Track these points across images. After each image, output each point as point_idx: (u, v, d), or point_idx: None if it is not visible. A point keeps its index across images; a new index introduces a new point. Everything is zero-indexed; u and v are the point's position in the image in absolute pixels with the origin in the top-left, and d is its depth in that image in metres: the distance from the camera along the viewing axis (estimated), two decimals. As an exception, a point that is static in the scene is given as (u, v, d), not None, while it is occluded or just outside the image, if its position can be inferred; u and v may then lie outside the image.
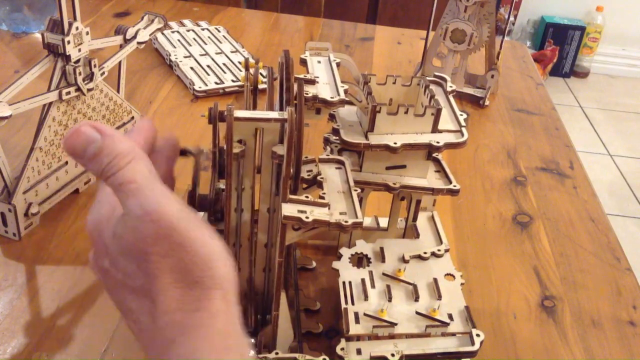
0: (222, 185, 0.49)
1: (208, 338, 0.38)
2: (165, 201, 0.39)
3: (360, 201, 0.51)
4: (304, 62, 0.59)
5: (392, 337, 0.51)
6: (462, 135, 0.56)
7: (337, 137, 0.56)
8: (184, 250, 0.38)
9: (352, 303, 0.52)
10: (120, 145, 0.39)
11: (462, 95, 1.09)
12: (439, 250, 0.58)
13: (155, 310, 0.39)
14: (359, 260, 0.57)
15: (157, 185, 0.40)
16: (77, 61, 0.70)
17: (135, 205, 0.38)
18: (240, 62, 1.09)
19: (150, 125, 0.46)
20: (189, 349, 0.38)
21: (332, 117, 0.58)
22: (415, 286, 0.54)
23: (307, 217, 0.46)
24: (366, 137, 0.55)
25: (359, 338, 0.51)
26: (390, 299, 0.53)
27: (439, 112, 0.55)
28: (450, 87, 0.62)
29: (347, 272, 0.55)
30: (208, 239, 0.40)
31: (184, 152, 0.49)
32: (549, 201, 0.86)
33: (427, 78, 0.61)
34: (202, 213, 0.51)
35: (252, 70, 0.56)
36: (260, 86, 0.56)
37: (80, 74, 0.70)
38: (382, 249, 0.58)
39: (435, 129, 0.56)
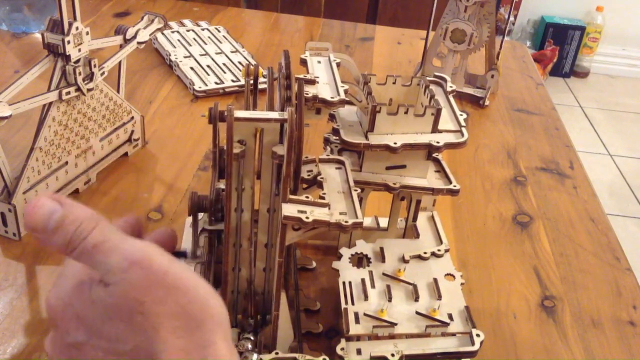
0: (222, 185, 0.49)
1: None
2: (149, 248, 0.38)
3: (360, 201, 0.51)
4: (304, 62, 0.59)
5: (392, 337, 0.51)
6: (462, 135, 0.56)
7: (337, 137, 0.56)
8: (180, 292, 0.37)
9: (352, 303, 0.52)
10: (81, 211, 0.38)
11: (462, 95, 1.09)
12: (439, 250, 0.58)
13: None
14: (359, 260, 0.57)
15: (131, 239, 0.38)
16: (77, 61, 0.70)
17: (119, 260, 0.37)
18: (240, 62, 1.09)
19: (139, 221, 0.45)
20: None
21: (332, 117, 0.59)
22: (415, 286, 0.54)
23: (307, 217, 0.46)
24: (366, 137, 0.55)
25: (359, 338, 0.51)
26: (390, 299, 0.53)
27: (439, 112, 0.55)
28: (450, 87, 0.62)
29: (347, 272, 0.55)
30: (199, 279, 0.39)
31: (179, 254, 0.49)
32: (549, 201, 0.86)
33: (427, 78, 0.61)
34: (202, 214, 0.51)
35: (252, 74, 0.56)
36: (261, 86, 0.56)
37: (80, 74, 0.70)
38: (382, 249, 0.58)
39: (435, 129, 0.56)
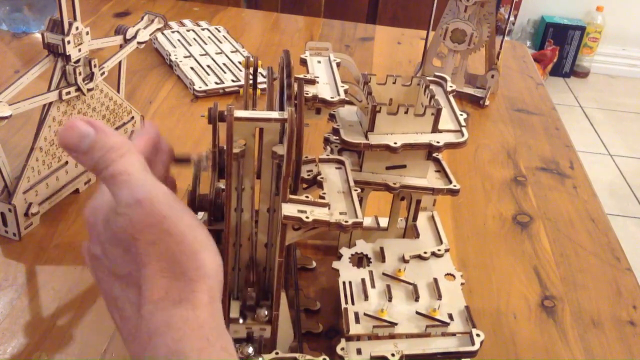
0: (222, 185, 0.49)
1: (190, 329, 0.38)
2: (157, 191, 0.40)
3: (360, 201, 0.51)
4: (304, 62, 0.59)
5: (392, 337, 0.51)
6: (462, 135, 0.56)
7: (337, 137, 0.56)
8: (172, 239, 0.39)
9: (352, 303, 0.52)
10: (112, 140, 0.40)
11: (462, 95, 1.09)
12: (439, 250, 0.58)
13: (141, 299, 0.39)
14: (359, 260, 0.57)
15: (148, 176, 0.40)
16: (77, 61, 0.70)
17: (126, 194, 0.39)
18: (240, 62, 1.09)
19: (155, 130, 0.47)
20: (171, 339, 0.38)
21: (332, 117, 0.58)
22: (415, 286, 0.54)
23: (307, 217, 0.46)
24: (366, 137, 0.55)
25: (359, 338, 0.51)
26: (390, 299, 0.53)
27: (439, 112, 0.55)
28: (450, 87, 0.62)
29: (347, 272, 0.55)
30: (197, 232, 0.41)
31: (184, 160, 0.49)
32: (549, 201, 0.86)
33: (427, 78, 0.61)
34: (202, 213, 0.51)
35: (251, 69, 0.56)
36: (261, 86, 0.56)
37: (80, 74, 0.70)
38: (382, 249, 0.58)
39: (435, 129, 0.56)
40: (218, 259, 0.42)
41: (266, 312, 0.51)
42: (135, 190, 0.39)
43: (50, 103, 0.69)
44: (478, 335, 0.51)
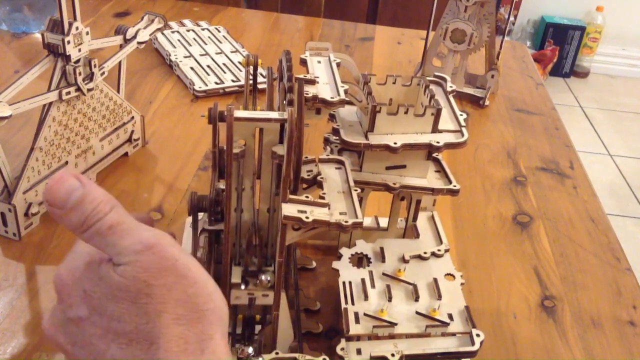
0: (222, 185, 0.49)
1: None
2: (161, 236, 0.39)
3: (360, 201, 0.51)
4: (304, 62, 0.59)
5: (392, 337, 0.51)
6: (462, 135, 0.56)
7: (337, 137, 0.56)
8: (188, 282, 0.38)
9: (352, 303, 0.52)
10: (100, 192, 0.39)
11: (462, 95, 1.09)
12: (439, 250, 0.58)
13: (156, 353, 0.37)
14: (359, 260, 0.57)
15: (144, 225, 0.39)
16: (77, 61, 0.70)
17: (133, 242, 0.37)
18: (240, 62, 1.09)
19: (150, 220, 0.46)
20: None
21: (332, 117, 0.59)
22: (415, 286, 0.54)
23: (307, 217, 0.46)
24: (366, 137, 0.55)
25: (359, 338, 0.51)
26: (390, 299, 0.53)
27: (439, 112, 0.55)
28: (450, 87, 0.62)
29: (347, 272, 0.55)
30: (205, 273, 0.40)
31: None
32: (549, 201, 0.86)
33: (427, 78, 0.61)
34: (202, 214, 0.51)
35: (251, 69, 0.56)
36: (261, 86, 0.56)
37: (80, 74, 0.70)
38: (382, 249, 0.58)
39: (435, 129, 0.56)
40: (224, 298, 0.41)
41: (269, 278, 0.50)
42: (142, 236, 0.38)
43: (50, 103, 0.69)
44: (478, 335, 0.51)
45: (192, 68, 1.06)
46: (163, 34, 1.16)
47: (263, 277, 0.50)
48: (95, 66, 0.72)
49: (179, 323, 0.37)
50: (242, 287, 0.50)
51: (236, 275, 0.50)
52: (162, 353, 0.36)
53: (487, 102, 1.08)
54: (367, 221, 0.68)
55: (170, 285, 0.37)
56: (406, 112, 0.55)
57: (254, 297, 0.50)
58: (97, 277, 0.39)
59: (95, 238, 0.38)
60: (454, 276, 0.56)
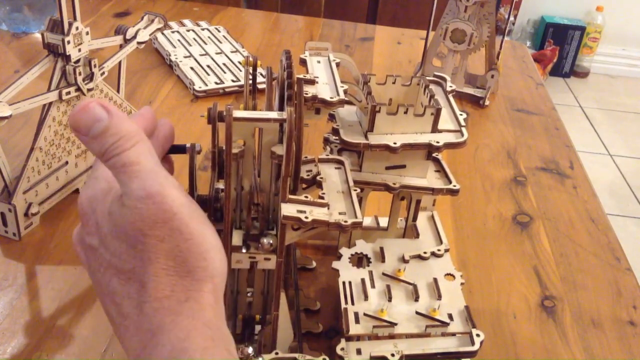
0: (221, 185, 0.49)
1: (195, 328, 0.38)
2: (168, 186, 0.39)
3: (360, 201, 0.51)
4: (303, 62, 0.59)
5: (392, 337, 0.51)
6: (462, 135, 0.56)
7: (337, 137, 0.56)
8: (181, 237, 0.38)
9: (352, 303, 0.52)
10: (126, 127, 0.39)
11: (462, 95, 1.09)
12: (439, 250, 0.58)
13: (144, 295, 0.38)
14: (359, 260, 0.57)
15: (160, 169, 0.39)
16: (77, 61, 0.70)
17: (137, 187, 0.38)
18: (240, 62, 1.09)
19: (151, 113, 0.46)
20: (176, 337, 0.37)
21: (331, 117, 0.58)
22: (415, 286, 0.54)
23: (306, 217, 0.46)
24: (366, 137, 0.55)
25: (359, 338, 0.51)
26: (390, 299, 0.53)
27: (438, 112, 0.55)
28: (450, 87, 0.62)
29: (347, 272, 0.55)
30: (206, 230, 0.40)
31: (180, 148, 0.49)
32: (549, 201, 0.86)
33: (427, 78, 0.61)
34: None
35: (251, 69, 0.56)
36: (260, 86, 0.56)
37: (80, 74, 0.70)
38: (382, 249, 0.58)
39: (435, 129, 0.56)
40: (224, 259, 0.41)
41: (271, 241, 0.49)
42: (147, 183, 0.38)
43: (50, 103, 0.69)
44: (478, 335, 0.51)
45: (192, 68, 1.06)
46: (163, 34, 1.16)
47: (265, 241, 0.48)
48: (95, 66, 0.72)
49: (168, 273, 0.38)
50: (244, 250, 0.49)
51: (237, 238, 0.49)
52: (148, 296, 0.38)
53: (487, 102, 1.08)
54: (367, 221, 0.68)
55: (163, 237, 0.38)
56: (406, 112, 0.55)
57: (255, 261, 0.49)
58: (107, 211, 0.40)
59: (112, 171, 0.39)
60: (454, 276, 0.56)
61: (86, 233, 0.42)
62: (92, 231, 0.41)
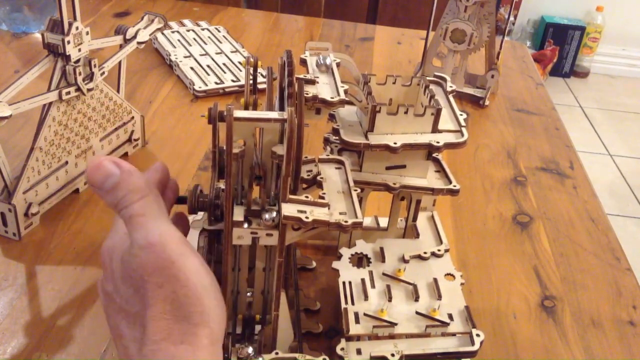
0: (222, 185, 0.49)
1: None
2: (168, 235, 0.42)
3: (360, 201, 0.51)
4: (304, 62, 0.59)
5: (392, 337, 0.51)
6: (462, 135, 0.56)
7: (337, 137, 0.56)
8: (178, 283, 0.41)
9: (352, 303, 0.52)
10: (134, 181, 0.43)
11: (462, 95, 1.09)
12: (439, 250, 0.58)
13: (144, 338, 0.41)
14: (359, 260, 0.57)
15: (163, 220, 0.43)
16: (77, 61, 0.70)
17: (141, 236, 0.41)
18: (240, 62, 1.09)
19: (164, 167, 0.50)
20: None
21: (332, 117, 0.58)
22: (415, 286, 0.54)
23: (307, 217, 0.46)
24: (366, 137, 0.55)
25: (359, 338, 0.51)
26: (390, 299, 0.53)
27: (438, 112, 0.55)
28: (450, 87, 0.62)
29: (347, 272, 0.55)
30: (203, 278, 0.42)
31: (182, 200, 0.51)
32: (549, 201, 0.86)
33: (427, 78, 0.61)
34: (201, 213, 0.51)
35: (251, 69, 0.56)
36: (261, 86, 0.56)
37: (80, 74, 0.70)
38: (382, 249, 0.58)
39: (435, 129, 0.56)
40: (221, 305, 0.44)
41: (273, 216, 0.48)
42: (149, 233, 0.41)
43: (50, 103, 0.69)
44: (478, 335, 0.51)
45: (192, 68, 1.06)
46: (163, 34, 1.16)
47: (267, 216, 0.48)
48: (95, 66, 0.72)
49: (165, 317, 0.41)
50: (245, 225, 0.48)
51: (238, 214, 0.48)
52: (147, 338, 0.41)
53: (487, 102, 1.08)
54: (367, 221, 0.68)
55: (162, 283, 0.41)
56: (406, 112, 0.55)
57: (257, 237, 0.48)
58: (120, 259, 0.43)
59: (125, 222, 0.43)
60: (454, 276, 0.56)
61: (105, 279, 0.45)
62: (108, 278, 0.45)
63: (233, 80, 1.03)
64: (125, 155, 0.83)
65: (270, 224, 0.48)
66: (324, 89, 0.53)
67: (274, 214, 0.48)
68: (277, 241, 0.48)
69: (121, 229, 0.45)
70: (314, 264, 0.69)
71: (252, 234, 0.48)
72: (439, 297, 0.54)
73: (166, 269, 0.41)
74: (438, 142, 0.55)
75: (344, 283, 0.54)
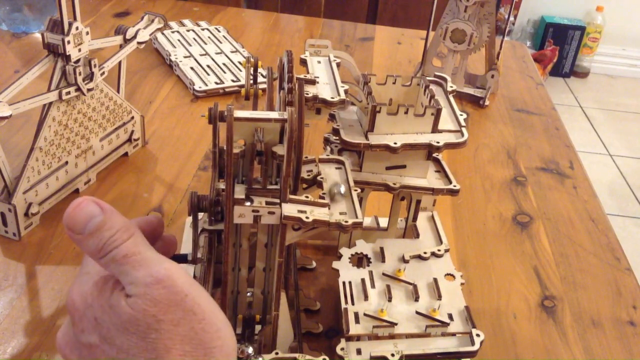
0: (222, 185, 0.49)
1: None
2: (173, 269, 0.39)
3: (360, 201, 0.51)
4: (304, 62, 0.59)
5: (392, 337, 0.51)
6: (462, 135, 0.56)
7: (337, 137, 0.56)
8: (195, 318, 0.38)
9: (352, 303, 0.52)
10: (120, 220, 0.39)
11: (462, 95, 1.09)
12: (439, 250, 0.58)
13: None
14: (359, 260, 0.57)
15: (160, 255, 0.40)
16: (77, 61, 0.70)
17: (144, 274, 0.38)
18: (240, 62, 1.09)
19: (159, 220, 0.47)
20: None
21: (332, 117, 0.59)
22: (415, 286, 0.54)
23: (307, 217, 0.46)
24: (366, 137, 0.55)
25: (359, 338, 0.51)
26: (390, 299, 0.53)
27: (439, 112, 0.55)
28: (451, 87, 0.62)
29: (347, 272, 0.55)
30: (214, 306, 0.40)
31: (179, 258, 0.50)
32: (549, 201, 0.86)
33: (427, 78, 0.61)
34: (202, 214, 0.51)
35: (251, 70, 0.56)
36: (261, 86, 0.56)
37: (80, 74, 0.70)
38: (382, 249, 0.58)
39: (435, 129, 0.56)
40: (232, 330, 0.41)
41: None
42: (153, 269, 0.38)
43: (50, 103, 0.69)
44: (478, 335, 0.51)
45: (192, 68, 1.06)
46: (163, 34, 1.16)
47: (268, 194, 0.47)
48: (95, 66, 0.72)
49: (185, 359, 0.37)
50: (247, 203, 0.47)
51: (240, 192, 0.48)
52: None
53: (487, 102, 1.08)
54: (367, 221, 0.68)
55: (178, 321, 0.37)
56: (406, 112, 0.55)
57: (259, 215, 0.47)
58: (108, 305, 0.39)
59: (111, 265, 0.39)
60: (454, 276, 0.56)
61: (80, 331, 0.40)
62: (88, 328, 0.40)
63: (233, 80, 1.03)
64: (125, 155, 0.84)
65: (272, 202, 0.47)
66: (324, 89, 0.53)
67: (276, 193, 0.47)
68: (278, 220, 0.47)
69: (94, 272, 0.41)
70: (314, 264, 0.69)
71: (253, 212, 0.47)
72: (439, 297, 0.54)
73: (181, 303, 0.38)
74: (438, 142, 0.55)
75: (344, 283, 0.54)
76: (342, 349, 0.50)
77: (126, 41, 0.79)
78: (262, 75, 0.58)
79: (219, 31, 1.20)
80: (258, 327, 0.54)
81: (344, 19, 1.40)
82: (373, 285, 0.54)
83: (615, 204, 2.41)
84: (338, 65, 0.59)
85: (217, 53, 1.12)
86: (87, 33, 0.70)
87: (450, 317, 0.52)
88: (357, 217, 0.47)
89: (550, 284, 0.71)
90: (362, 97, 0.57)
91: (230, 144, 0.45)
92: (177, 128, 0.93)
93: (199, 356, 0.38)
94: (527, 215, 0.82)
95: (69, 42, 0.67)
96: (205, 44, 1.15)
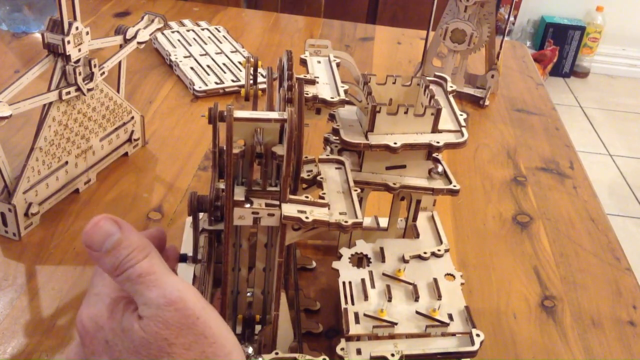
0: (222, 185, 0.49)
1: None
2: (186, 290, 0.39)
3: (360, 201, 0.51)
4: (304, 62, 0.59)
5: (392, 337, 0.51)
6: (462, 135, 0.56)
7: (337, 137, 0.56)
8: (206, 341, 0.38)
9: (352, 303, 0.52)
10: (136, 239, 0.39)
11: (462, 95, 1.09)
12: (439, 250, 0.58)
13: None
14: (359, 260, 0.57)
15: (174, 276, 0.40)
16: (77, 61, 0.70)
17: (157, 295, 0.38)
18: (240, 62, 1.09)
19: (162, 232, 0.47)
20: None
21: (332, 117, 0.59)
22: (415, 286, 0.54)
23: (307, 217, 0.46)
24: (366, 137, 0.55)
25: (359, 338, 0.51)
26: (390, 299, 0.53)
27: (439, 112, 0.55)
28: (451, 87, 0.62)
29: (347, 272, 0.55)
30: (225, 330, 0.40)
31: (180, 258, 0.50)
32: (549, 201, 0.86)
33: (427, 78, 0.61)
34: (202, 214, 0.51)
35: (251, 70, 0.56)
36: (261, 86, 0.56)
37: (80, 74, 0.70)
38: (382, 249, 0.58)
39: (435, 129, 0.56)
40: (242, 352, 0.41)
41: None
42: (166, 290, 0.38)
43: (50, 103, 0.69)
44: (478, 335, 0.51)
45: (192, 68, 1.06)
46: (163, 34, 1.16)
47: (268, 196, 0.47)
48: (95, 66, 0.72)
49: None
50: (247, 205, 0.47)
51: (239, 193, 0.48)
52: None
53: (487, 102, 1.08)
54: (367, 221, 0.68)
55: (189, 345, 0.37)
56: (406, 112, 0.55)
57: (259, 217, 0.47)
58: (120, 328, 0.39)
59: (127, 284, 0.39)
60: (454, 276, 0.56)
61: (90, 353, 0.40)
62: (98, 350, 0.40)
63: (233, 80, 1.03)
64: (125, 155, 0.83)
65: (272, 205, 0.47)
66: (324, 89, 0.53)
67: (276, 195, 0.47)
68: (278, 222, 0.47)
69: (105, 294, 0.41)
70: (314, 264, 0.69)
71: (253, 214, 0.47)
72: (439, 297, 0.54)
73: (193, 326, 0.38)
74: (438, 142, 0.55)
75: (344, 283, 0.54)
76: (342, 349, 0.50)
77: (126, 41, 0.79)
78: (262, 75, 0.58)
79: (219, 31, 1.20)
80: (258, 327, 0.54)
81: (344, 19, 1.40)
82: (373, 285, 0.54)
83: (615, 204, 2.41)
84: (338, 65, 0.59)
85: (217, 53, 1.12)
86: (87, 33, 0.70)
87: (450, 317, 0.52)
88: (357, 217, 0.47)
89: (550, 284, 0.71)
90: (362, 97, 0.57)
91: (230, 144, 0.45)
92: (177, 128, 0.93)
93: None
94: (527, 215, 0.82)
95: (69, 42, 0.67)
96: (205, 44, 1.15)
